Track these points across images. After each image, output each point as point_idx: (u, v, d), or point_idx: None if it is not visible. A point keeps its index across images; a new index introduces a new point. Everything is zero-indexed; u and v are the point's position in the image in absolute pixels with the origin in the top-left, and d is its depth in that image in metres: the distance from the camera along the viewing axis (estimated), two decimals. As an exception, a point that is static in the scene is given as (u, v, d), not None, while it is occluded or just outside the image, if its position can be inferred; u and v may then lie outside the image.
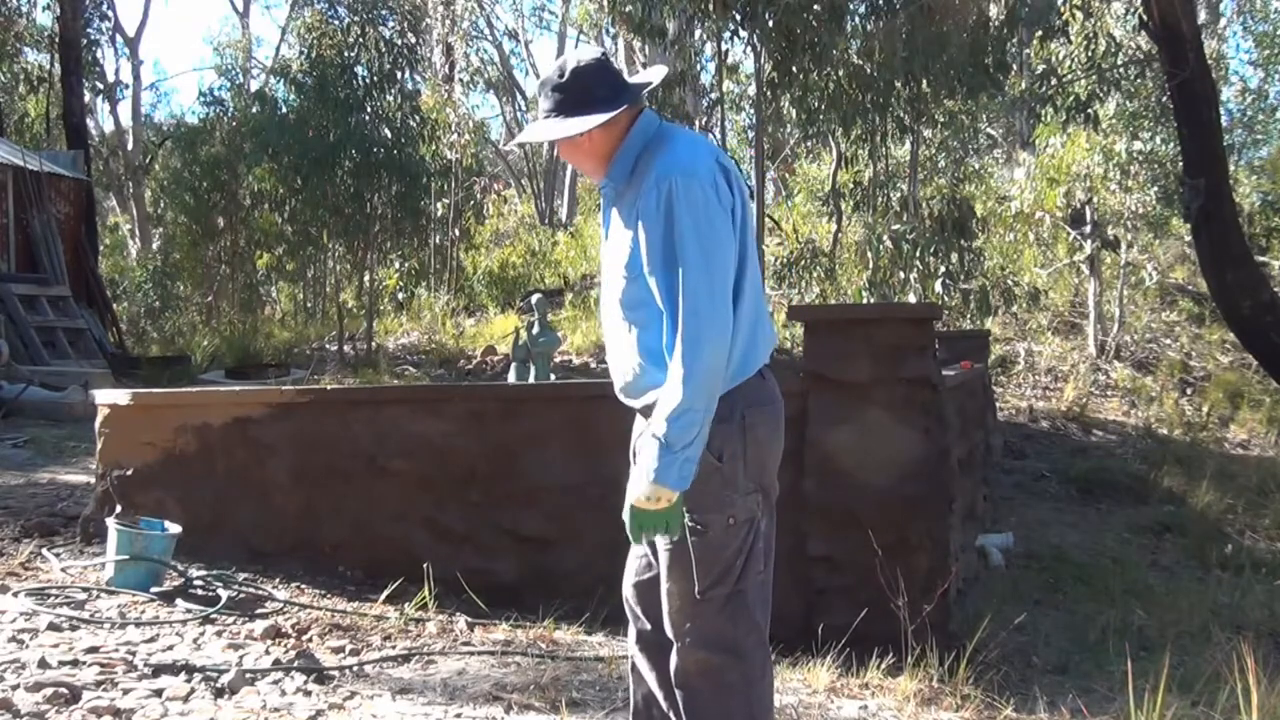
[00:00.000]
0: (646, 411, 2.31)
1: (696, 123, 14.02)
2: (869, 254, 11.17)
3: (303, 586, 4.55)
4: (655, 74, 2.47)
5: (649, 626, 2.43)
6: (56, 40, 18.37)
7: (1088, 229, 13.65)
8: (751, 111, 16.54)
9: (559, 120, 2.30)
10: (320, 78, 14.37)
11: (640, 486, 2.17)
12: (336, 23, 16.20)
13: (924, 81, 9.88)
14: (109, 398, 5.20)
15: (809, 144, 16.65)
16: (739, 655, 2.30)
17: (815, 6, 9.77)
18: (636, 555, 2.45)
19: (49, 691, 3.04)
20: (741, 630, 2.30)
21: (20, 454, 7.82)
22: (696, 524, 2.24)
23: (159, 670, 3.34)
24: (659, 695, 2.43)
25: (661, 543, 2.29)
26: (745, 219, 2.35)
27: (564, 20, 27.84)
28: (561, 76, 2.31)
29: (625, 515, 2.22)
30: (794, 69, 10.34)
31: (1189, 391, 13.14)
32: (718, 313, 2.19)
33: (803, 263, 11.81)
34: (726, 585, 2.28)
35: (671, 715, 2.41)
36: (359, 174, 14.14)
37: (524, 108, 30.61)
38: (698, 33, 12.10)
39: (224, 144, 17.37)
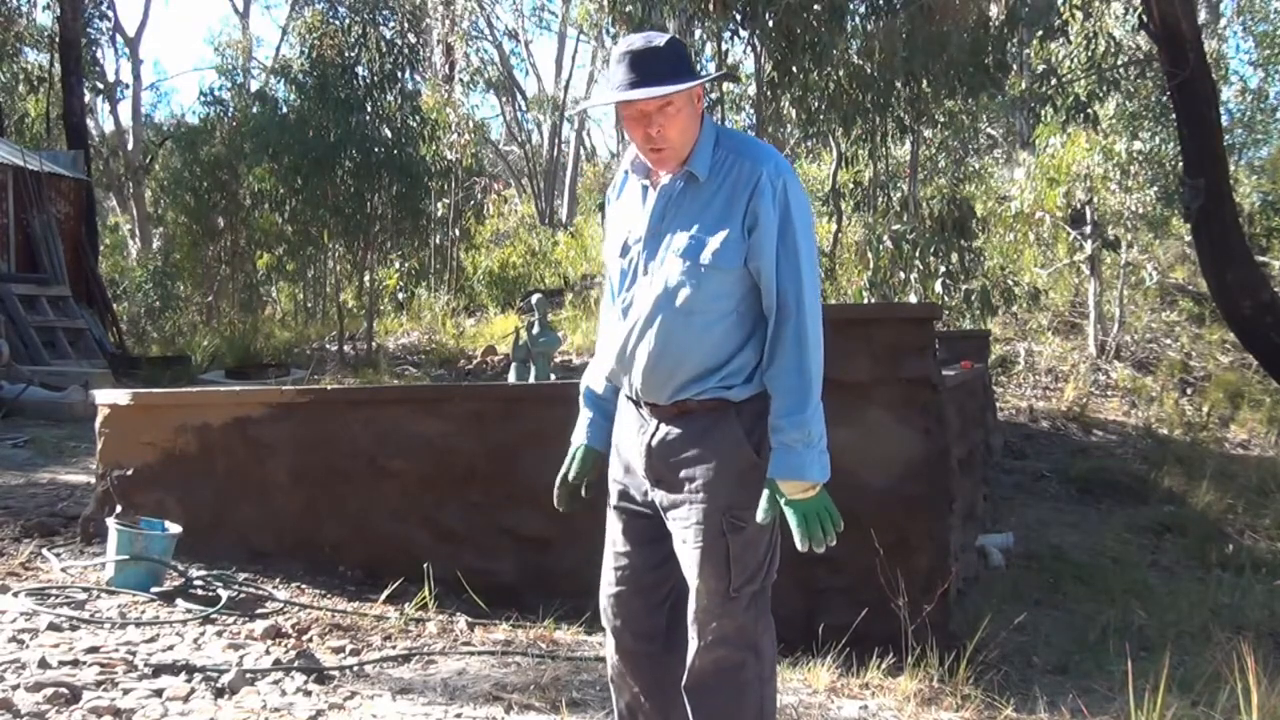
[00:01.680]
0: (681, 408, 2.30)
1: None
2: (869, 254, 11.16)
3: (303, 586, 4.55)
4: (714, 70, 2.44)
5: (629, 636, 2.43)
6: (56, 40, 18.37)
7: (1088, 229, 13.65)
8: (751, 111, 16.54)
9: (679, 81, 2.22)
10: (321, 78, 14.37)
11: (798, 488, 2.20)
12: (337, 23, 16.22)
13: (924, 81, 9.88)
14: (109, 398, 5.20)
15: (809, 144, 16.61)
16: (758, 653, 2.32)
17: (815, 6, 9.76)
18: (612, 566, 2.44)
19: (49, 691, 3.04)
20: (762, 627, 2.32)
21: (20, 454, 7.82)
22: (735, 520, 2.25)
23: (159, 670, 3.34)
24: (644, 701, 2.44)
25: (693, 542, 2.27)
26: None
27: (564, 20, 27.84)
28: (659, 45, 2.25)
29: (794, 525, 2.20)
30: (794, 69, 10.34)
31: (1189, 391, 13.15)
32: (819, 308, 2.27)
33: (803, 263, 11.79)
34: (756, 582, 2.30)
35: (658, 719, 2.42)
36: (359, 174, 14.14)
37: (524, 107, 30.65)
38: (698, 33, 12.09)
39: (224, 144, 17.37)
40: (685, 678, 2.33)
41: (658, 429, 2.33)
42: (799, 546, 2.22)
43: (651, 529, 2.38)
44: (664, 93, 2.20)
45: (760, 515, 2.21)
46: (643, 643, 2.40)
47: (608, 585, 2.45)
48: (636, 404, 2.38)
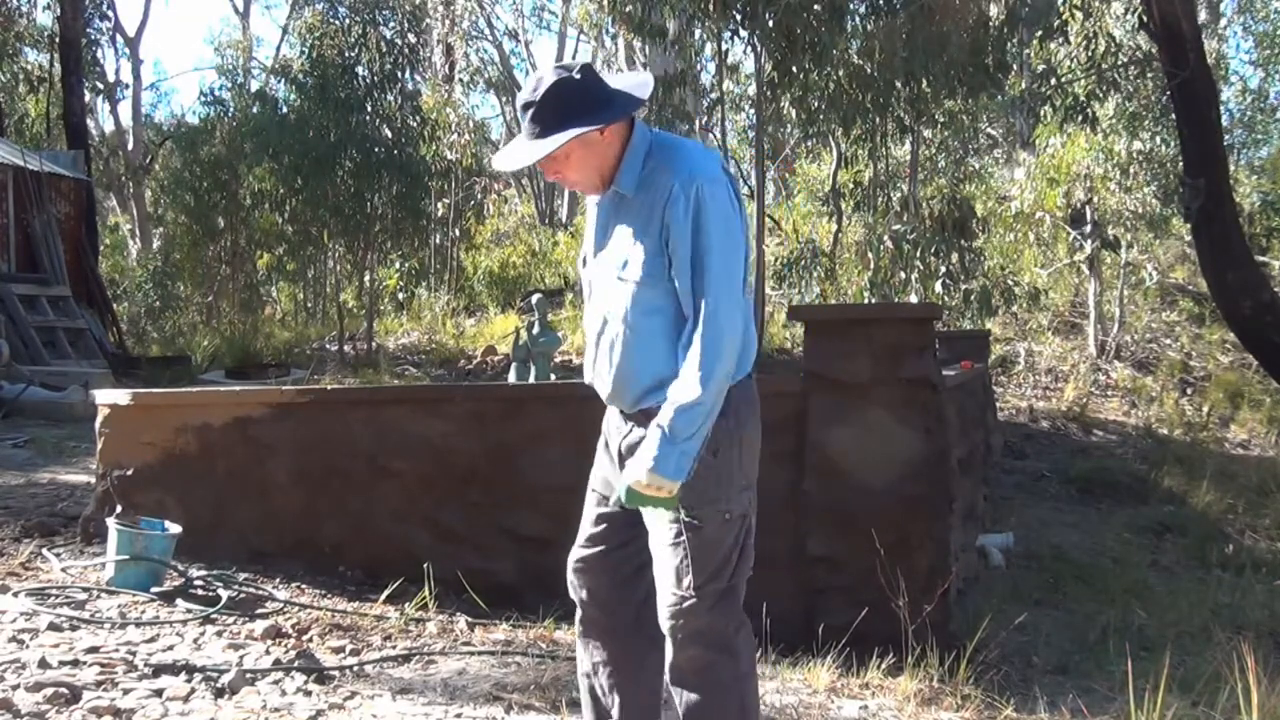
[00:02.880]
0: (642, 417, 2.34)
1: (697, 123, 14.02)
2: (869, 254, 11.17)
3: (303, 586, 4.55)
4: (644, 88, 2.38)
5: (592, 605, 2.50)
6: (56, 40, 18.37)
7: (1088, 229, 13.65)
8: (751, 111, 16.54)
9: (586, 119, 2.24)
10: (321, 78, 14.36)
11: (638, 473, 2.21)
12: (337, 23, 16.19)
13: (924, 81, 9.88)
14: (109, 398, 5.20)
15: (809, 144, 16.63)
16: (731, 653, 2.34)
17: (815, 6, 9.76)
18: (582, 540, 2.52)
19: (49, 691, 3.04)
20: (733, 626, 2.35)
21: (20, 454, 7.82)
22: (693, 519, 2.28)
23: (159, 670, 3.34)
24: (600, 671, 2.51)
25: (658, 542, 2.33)
26: (746, 232, 2.39)
27: (564, 20, 27.84)
28: (539, 96, 2.27)
29: (621, 494, 2.26)
30: (794, 69, 10.34)
31: (1189, 391, 13.15)
32: (736, 317, 2.25)
33: (803, 263, 11.81)
34: (721, 581, 2.32)
35: (615, 695, 2.49)
36: (359, 174, 14.14)
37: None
38: (698, 33, 12.09)
39: (224, 144, 17.37)
40: (666, 674, 2.38)
41: (629, 432, 2.40)
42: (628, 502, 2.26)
43: (625, 514, 2.42)
44: (518, 165, 2.29)
45: (620, 494, 2.26)
46: (604, 614, 2.48)
47: (574, 557, 2.53)
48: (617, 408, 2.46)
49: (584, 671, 2.56)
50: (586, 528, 2.53)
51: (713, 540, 2.30)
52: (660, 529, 2.32)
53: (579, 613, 2.54)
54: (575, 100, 2.25)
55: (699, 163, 2.29)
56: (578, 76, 2.27)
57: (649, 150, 2.33)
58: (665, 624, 2.33)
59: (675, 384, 2.23)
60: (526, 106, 2.28)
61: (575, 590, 2.53)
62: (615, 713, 2.51)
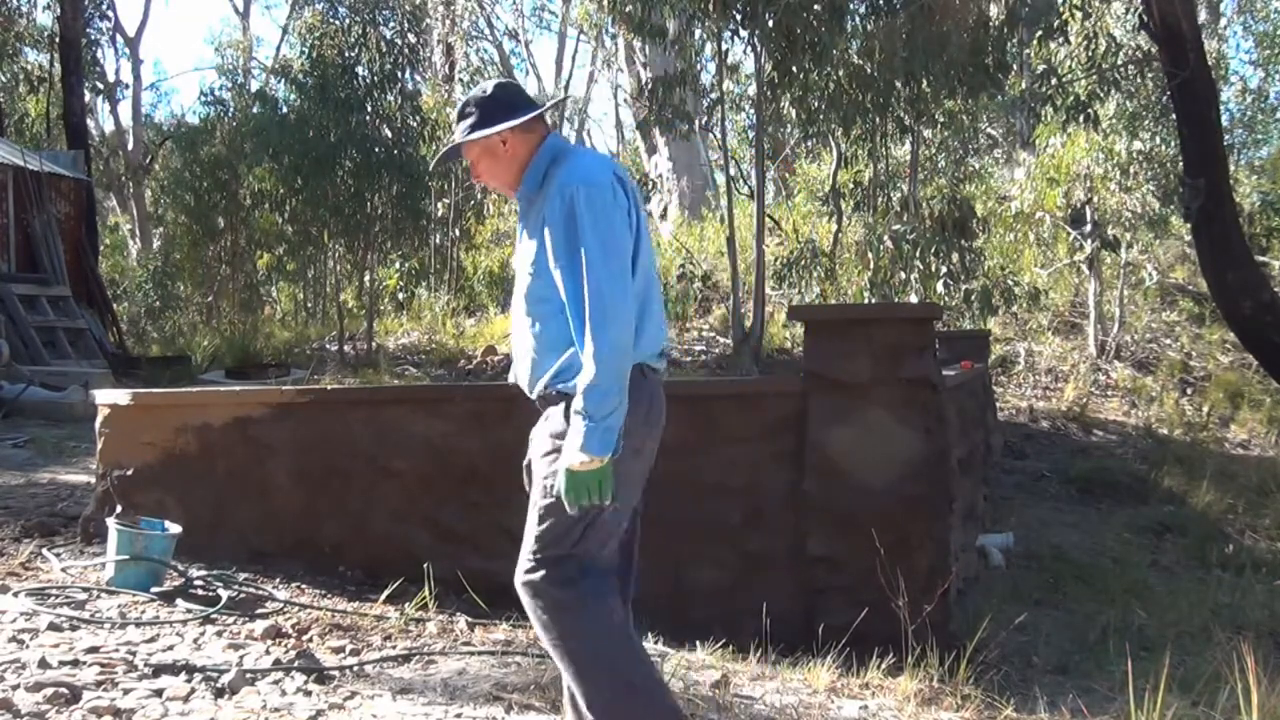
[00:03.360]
0: (541, 402, 2.63)
1: (697, 123, 14.01)
2: (869, 254, 11.17)
3: (303, 586, 4.55)
4: (554, 102, 3.04)
5: None
6: (56, 40, 18.37)
7: (1088, 229, 13.65)
8: (751, 111, 16.53)
9: (484, 128, 2.61)
10: (321, 78, 14.35)
11: (570, 457, 2.43)
12: (337, 23, 16.19)
13: (924, 81, 9.88)
14: (109, 398, 5.20)
15: (809, 144, 16.64)
16: (558, 613, 2.53)
17: (815, 6, 9.77)
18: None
19: (49, 691, 3.04)
20: (569, 598, 2.53)
21: (20, 454, 7.82)
22: (547, 489, 2.53)
23: (159, 670, 3.34)
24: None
25: (533, 503, 2.59)
26: (640, 228, 2.60)
27: (564, 20, 27.86)
28: (485, 92, 2.67)
29: (561, 487, 2.45)
30: (794, 69, 10.34)
31: (1189, 391, 13.15)
32: (619, 297, 2.45)
33: (803, 263, 11.81)
34: (561, 548, 2.54)
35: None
36: (359, 174, 14.14)
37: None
38: (698, 32, 12.09)
39: (224, 144, 17.37)
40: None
41: (537, 419, 2.68)
42: (567, 509, 2.46)
43: None
44: (438, 158, 2.82)
45: (558, 483, 2.46)
46: None
47: None
48: None
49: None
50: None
51: (559, 508, 2.50)
52: (534, 495, 2.60)
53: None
54: (516, 98, 2.66)
55: (580, 169, 2.55)
56: (488, 93, 2.67)
57: (553, 159, 2.62)
58: (520, 566, 2.59)
59: (584, 369, 2.45)
60: (477, 102, 2.66)
61: None
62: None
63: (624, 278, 2.47)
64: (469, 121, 2.64)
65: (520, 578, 2.59)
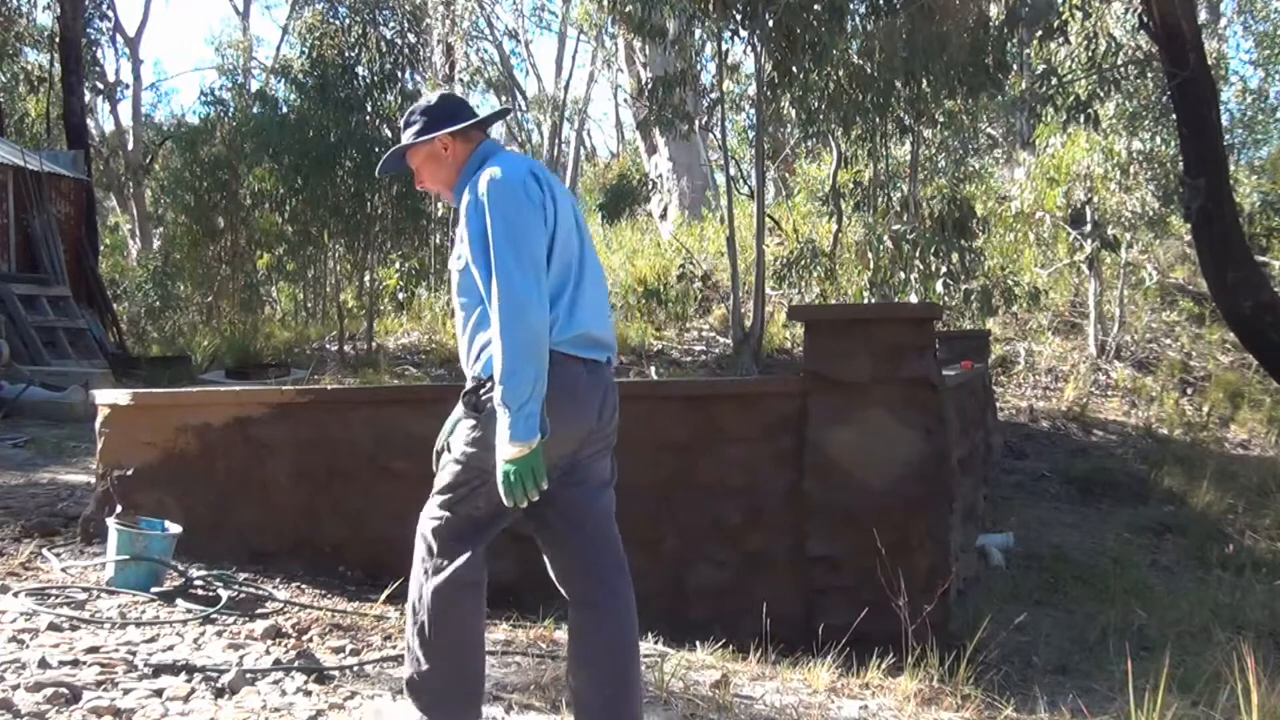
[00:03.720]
0: (478, 382, 2.73)
1: (696, 123, 14.01)
2: (869, 254, 11.17)
3: (303, 586, 4.55)
4: (495, 112, 3.13)
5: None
6: (56, 40, 18.36)
7: (1088, 229, 13.65)
8: (751, 111, 16.53)
9: (430, 133, 2.81)
10: (321, 78, 14.35)
11: (502, 452, 2.54)
12: (337, 23, 16.19)
13: (924, 81, 9.88)
14: (109, 398, 5.20)
15: (809, 144, 16.64)
16: (426, 566, 2.74)
17: (815, 6, 9.77)
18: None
19: (49, 691, 3.04)
20: (440, 547, 2.73)
21: (20, 454, 7.82)
22: (457, 449, 2.71)
23: (159, 670, 3.34)
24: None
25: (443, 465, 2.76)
26: (558, 222, 2.70)
27: (564, 20, 27.86)
28: (429, 102, 2.88)
29: (499, 482, 2.56)
30: (794, 69, 10.34)
31: (1189, 391, 13.15)
32: (529, 287, 2.55)
33: (803, 263, 11.81)
34: (449, 501, 2.74)
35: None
36: (359, 174, 14.13)
37: (524, 107, 30.66)
38: (698, 32, 12.10)
39: (225, 144, 17.36)
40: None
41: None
42: (504, 500, 2.57)
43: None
44: (381, 164, 2.96)
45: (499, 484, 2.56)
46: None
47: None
48: None
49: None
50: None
51: (448, 474, 2.73)
52: (448, 453, 2.77)
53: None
54: (424, 120, 2.84)
55: (493, 171, 2.68)
56: (432, 103, 2.88)
57: (481, 162, 2.77)
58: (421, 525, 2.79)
59: (495, 360, 2.57)
60: (422, 111, 2.86)
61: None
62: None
63: (533, 269, 2.57)
64: (415, 129, 2.83)
65: (419, 529, 2.80)
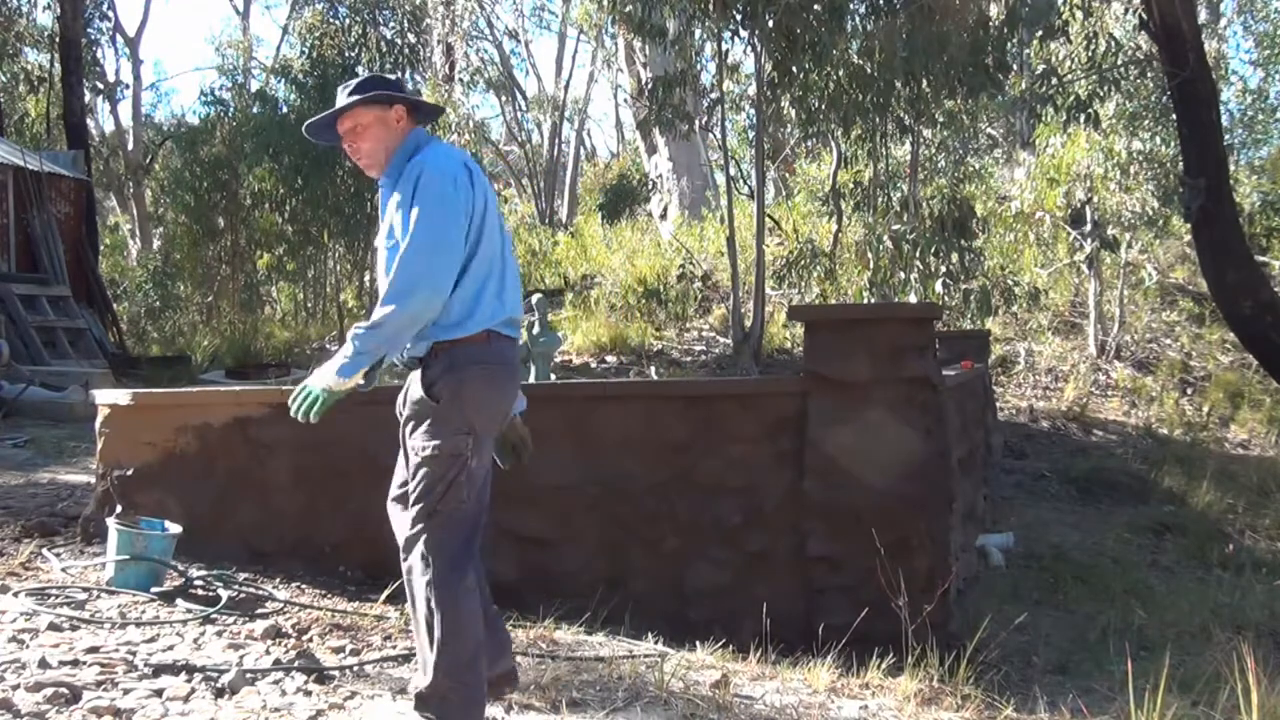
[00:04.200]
0: (413, 362, 2.91)
1: (696, 123, 14.00)
2: (869, 254, 11.16)
3: (303, 586, 4.55)
4: (434, 108, 3.15)
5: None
6: (56, 40, 18.36)
7: (1088, 229, 13.64)
8: (751, 111, 16.52)
9: (385, 95, 2.91)
10: (321, 78, 14.36)
11: (324, 377, 2.75)
12: (337, 23, 16.21)
13: (924, 81, 9.87)
14: (109, 398, 5.20)
15: (809, 144, 16.64)
16: (426, 563, 2.83)
17: (815, 6, 9.76)
18: (397, 480, 3.05)
19: (49, 691, 3.04)
20: (430, 544, 2.81)
21: (20, 454, 7.82)
22: (420, 450, 2.82)
23: (159, 670, 3.34)
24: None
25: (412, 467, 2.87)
26: (485, 214, 2.87)
27: (564, 20, 27.85)
28: (372, 74, 3.03)
29: (299, 393, 2.77)
30: (794, 69, 10.34)
31: (1189, 391, 13.14)
32: (434, 272, 2.72)
33: (803, 263, 11.81)
34: (428, 503, 2.81)
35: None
36: (359, 174, 14.06)
37: (524, 107, 30.66)
38: (698, 33, 12.09)
39: (225, 144, 17.36)
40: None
41: (406, 391, 2.98)
42: (291, 409, 2.78)
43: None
44: (340, 109, 2.96)
45: (305, 393, 2.78)
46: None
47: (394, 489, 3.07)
48: None
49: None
50: (398, 476, 3.05)
51: (429, 470, 2.81)
52: (413, 460, 2.87)
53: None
54: (381, 84, 2.96)
55: (431, 156, 2.85)
56: (385, 75, 3.05)
57: (415, 147, 2.91)
58: (404, 529, 2.90)
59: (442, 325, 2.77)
60: (365, 80, 2.97)
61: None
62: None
63: (445, 256, 2.74)
64: (373, 92, 2.92)
65: (401, 537, 2.92)
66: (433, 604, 2.81)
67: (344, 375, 2.74)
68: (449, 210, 2.77)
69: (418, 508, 2.83)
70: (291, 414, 2.78)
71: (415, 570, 2.84)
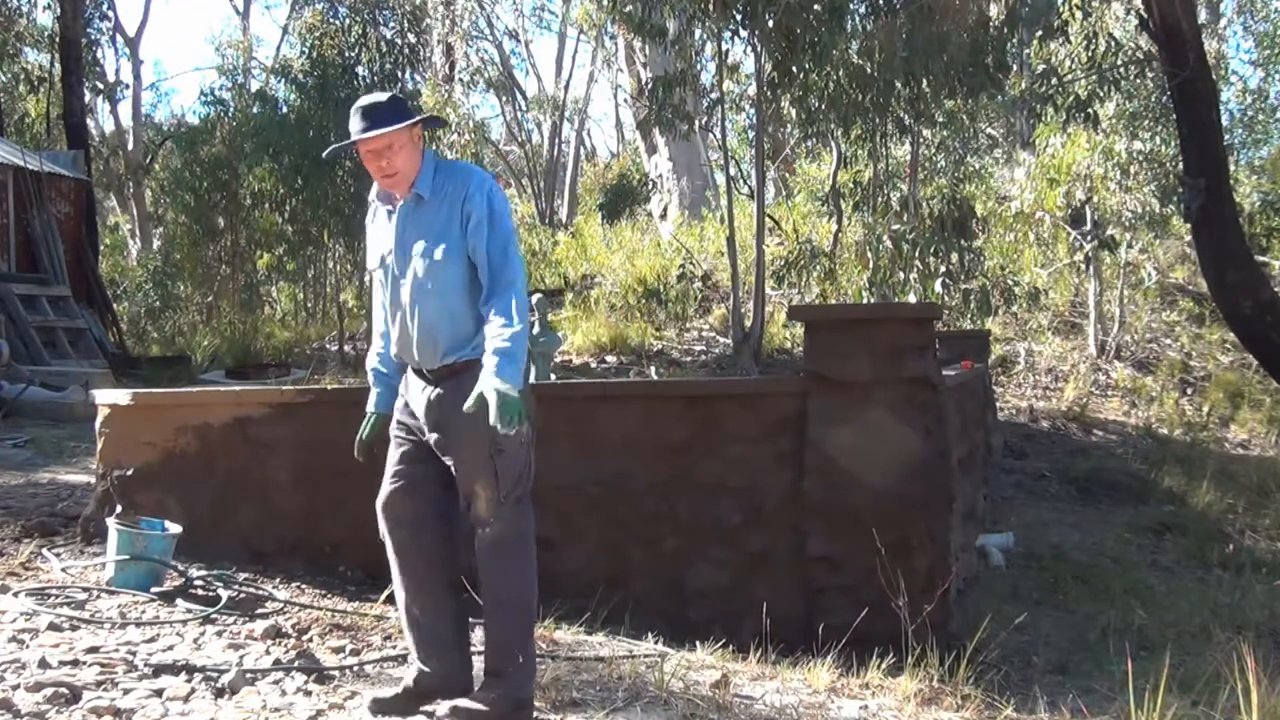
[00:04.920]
0: (446, 371, 3.06)
1: (697, 123, 14.00)
2: (869, 254, 11.16)
3: (303, 586, 4.55)
4: (432, 118, 3.39)
5: (401, 529, 3.17)
6: (56, 40, 18.37)
7: (1088, 229, 13.64)
8: (751, 111, 16.53)
9: (407, 120, 3.06)
10: (321, 78, 14.35)
11: (499, 384, 2.86)
12: (337, 23, 16.19)
13: (924, 81, 9.86)
14: (109, 398, 5.20)
15: (809, 144, 16.63)
16: (526, 538, 3.10)
17: (815, 6, 9.76)
18: (390, 477, 3.19)
19: (49, 691, 3.04)
20: (528, 522, 3.10)
21: (20, 454, 7.82)
22: (498, 446, 2.96)
23: (159, 670, 3.35)
24: (407, 572, 3.19)
25: (471, 466, 3.01)
26: None
27: (564, 20, 27.85)
28: (381, 100, 3.11)
29: (496, 410, 2.82)
30: (794, 69, 10.33)
31: (1189, 391, 13.14)
32: (521, 275, 3.04)
33: (802, 263, 11.80)
34: (521, 488, 3.07)
35: (423, 625, 3.19)
36: (359, 174, 14.11)
37: (524, 107, 30.65)
38: (698, 32, 12.08)
39: (225, 144, 17.35)
40: (479, 552, 3.08)
41: (436, 388, 3.08)
42: (500, 428, 2.85)
43: (422, 452, 3.14)
44: (383, 132, 3.03)
45: (469, 404, 2.84)
46: (413, 534, 3.15)
47: (384, 491, 3.19)
48: (418, 372, 3.14)
49: (404, 604, 3.21)
50: (393, 470, 3.19)
51: (515, 460, 3.03)
52: (472, 458, 3.00)
53: (391, 547, 3.18)
54: (406, 105, 3.14)
55: (482, 174, 3.13)
56: (402, 97, 3.21)
57: (436, 166, 3.13)
58: (477, 520, 3.05)
59: (496, 333, 2.92)
60: (371, 107, 3.07)
61: (387, 524, 3.18)
62: (418, 637, 3.19)
63: (520, 258, 3.08)
64: (405, 117, 3.06)
65: (498, 523, 3.03)
66: (525, 580, 3.09)
67: (518, 382, 2.90)
68: (510, 224, 3.11)
69: (506, 497, 3.02)
70: (504, 431, 2.87)
71: (507, 553, 3.05)
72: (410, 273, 3.08)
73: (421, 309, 3.07)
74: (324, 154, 3.42)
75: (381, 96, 3.13)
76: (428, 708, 3.14)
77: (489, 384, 2.85)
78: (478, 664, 3.25)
